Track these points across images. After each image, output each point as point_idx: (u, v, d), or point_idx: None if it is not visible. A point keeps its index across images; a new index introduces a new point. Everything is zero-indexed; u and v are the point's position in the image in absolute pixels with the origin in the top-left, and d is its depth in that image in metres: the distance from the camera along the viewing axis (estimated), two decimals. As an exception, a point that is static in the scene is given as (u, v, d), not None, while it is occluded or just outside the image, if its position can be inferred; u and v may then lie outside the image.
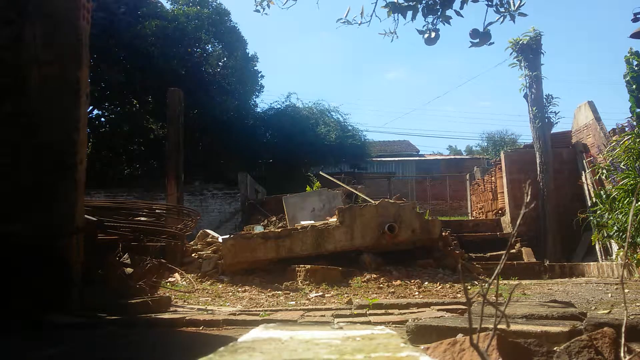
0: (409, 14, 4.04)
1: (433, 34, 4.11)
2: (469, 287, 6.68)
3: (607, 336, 1.70)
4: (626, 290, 5.48)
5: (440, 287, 6.42)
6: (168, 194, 8.89)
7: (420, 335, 2.26)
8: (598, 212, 7.55)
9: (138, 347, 2.61)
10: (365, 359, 1.12)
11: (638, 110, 8.12)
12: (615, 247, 8.76)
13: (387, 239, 7.73)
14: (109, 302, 3.67)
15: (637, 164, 6.75)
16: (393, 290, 6.19)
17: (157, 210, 5.84)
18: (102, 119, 19.79)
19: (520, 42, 11.91)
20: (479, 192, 16.12)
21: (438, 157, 34.79)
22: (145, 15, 17.39)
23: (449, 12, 4.08)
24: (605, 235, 7.42)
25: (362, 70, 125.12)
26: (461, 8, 4.06)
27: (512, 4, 3.96)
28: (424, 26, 4.15)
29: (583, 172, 11.64)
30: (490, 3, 3.99)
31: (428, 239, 8.05)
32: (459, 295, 5.68)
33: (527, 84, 12.05)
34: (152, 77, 16.34)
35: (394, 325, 3.08)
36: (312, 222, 8.46)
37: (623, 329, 1.59)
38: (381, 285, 6.53)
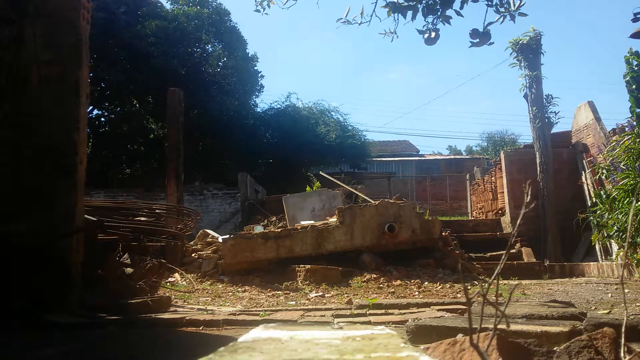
0: (409, 14, 4.04)
1: (433, 34, 4.11)
2: (469, 287, 6.68)
3: (607, 336, 1.70)
4: (626, 290, 5.47)
5: (440, 287, 6.42)
6: (168, 194, 8.88)
7: (420, 335, 2.26)
8: (598, 212, 7.54)
9: (138, 347, 2.61)
10: (365, 359, 1.12)
11: (638, 110, 8.12)
12: (615, 247, 8.76)
13: (387, 239, 7.73)
14: (109, 302, 3.67)
15: (637, 164, 6.75)
16: (393, 290, 6.18)
17: (157, 210, 5.84)
18: (102, 119, 19.82)
19: (520, 42, 11.90)
20: (479, 192, 16.11)
21: (438, 157, 34.79)
22: (145, 15, 17.40)
23: (449, 12, 4.07)
24: (605, 235, 7.41)
25: (362, 70, 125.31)
26: (461, 8, 4.06)
27: (512, 4, 3.96)
28: (424, 26, 4.15)
29: (583, 172, 11.64)
30: (490, 3, 3.99)
31: (428, 239, 8.04)
32: (459, 295, 5.67)
33: (527, 84, 12.04)
34: (152, 77, 16.34)
35: (394, 325, 3.08)
36: (312, 222, 8.45)
37: (623, 329, 1.58)
38: (381, 285, 6.52)
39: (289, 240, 7.49)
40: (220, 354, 1.16)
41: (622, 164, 7.13)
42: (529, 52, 11.93)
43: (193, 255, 7.94)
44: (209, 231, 9.14)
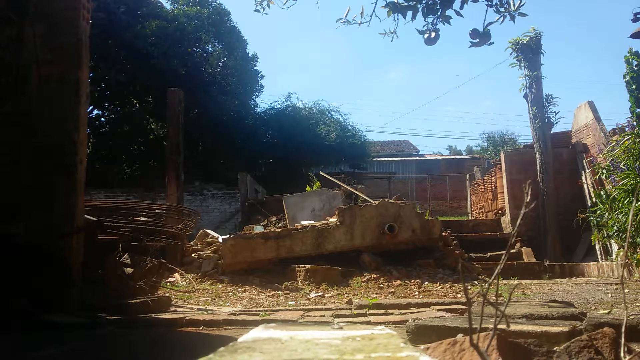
0: (409, 14, 4.04)
1: (433, 34, 4.11)
2: (469, 287, 6.68)
3: (607, 336, 1.70)
4: (626, 290, 5.47)
5: (440, 287, 6.42)
6: (168, 194, 8.89)
7: (420, 335, 2.26)
8: (598, 212, 7.54)
9: (138, 347, 2.61)
10: (365, 359, 1.12)
11: (638, 110, 8.12)
12: (615, 247, 8.76)
13: (387, 239, 7.73)
14: (109, 302, 3.67)
15: (637, 164, 6.75)
16: (393, 290, 6.19)
17: (157, 210, 5.84)
18: (102, 119, 19.80)
19: (520, 42, 11.89)
20: (479, 192, 16.11)
21: (438, 157, 34.80)
22: (145, 15, 17.39)
23: (449, 12, 4.07)
24: (605, 235, 7.41)
25: (362, 70, 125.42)
26: (461, 8, 4.06)
27: (512, 4, 3.96)
28: (424, 26, 4.14)
29: (583, 172, 11.63)
30: (490, 3, 3.98)
31: (428, 239, 8.04)
32: (459, 295, 5.68)
33: (527, 84, 12.04)
34: (152, 77, 16.33)
35: (394, 325, 3.08)
36: (312, 222, 8.46)
37: (623, 329, 1.58)
38: (381, 285, 6.53)
39: (289, 240, 7.49)
40: (220, 354, 1.16)
41: (622, 164, 7.13)
42: (529, 52, 11.92)
43: (193, 255, 7.94)
44: (209, 231, 9.14)
